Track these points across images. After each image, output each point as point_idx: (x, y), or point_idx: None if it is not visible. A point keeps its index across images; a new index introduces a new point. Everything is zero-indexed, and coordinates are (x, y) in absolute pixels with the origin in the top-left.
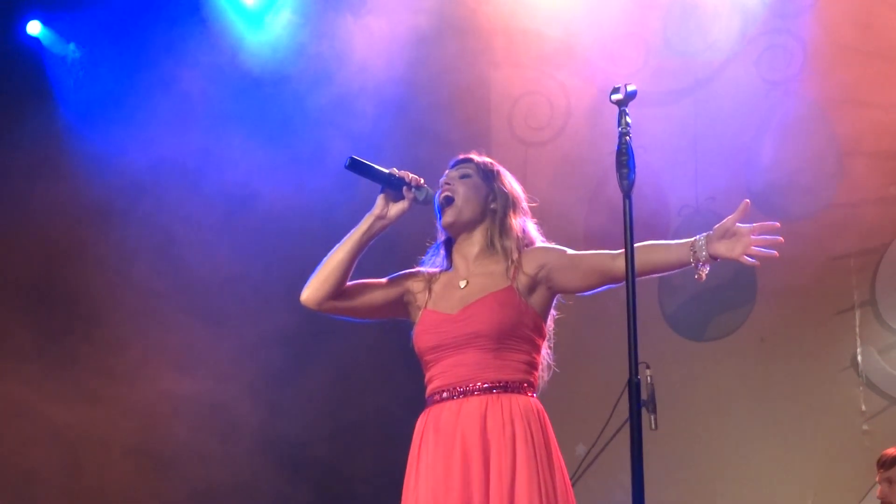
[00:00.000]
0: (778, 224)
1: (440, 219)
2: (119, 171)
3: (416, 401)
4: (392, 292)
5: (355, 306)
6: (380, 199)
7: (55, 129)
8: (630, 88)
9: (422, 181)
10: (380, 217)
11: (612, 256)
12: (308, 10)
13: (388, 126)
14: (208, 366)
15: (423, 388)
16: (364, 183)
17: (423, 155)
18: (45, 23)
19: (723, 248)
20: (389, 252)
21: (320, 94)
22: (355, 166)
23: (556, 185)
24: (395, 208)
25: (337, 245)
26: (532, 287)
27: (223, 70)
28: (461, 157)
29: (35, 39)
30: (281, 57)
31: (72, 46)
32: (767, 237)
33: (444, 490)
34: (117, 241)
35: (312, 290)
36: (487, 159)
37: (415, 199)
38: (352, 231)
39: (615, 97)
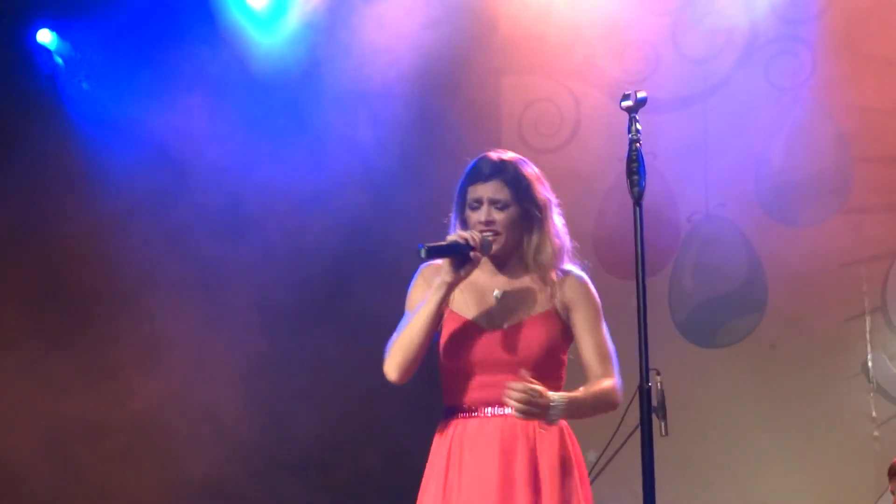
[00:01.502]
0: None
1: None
2: (124, 172)
3: (421, 405)
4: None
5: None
6: (448, 268)
7: (64, 133)
8: (640, 95)
9: (479, 234)
10: (453, 283)
11: (597, 375)
12: (317, 15)
13: (397, 131)
14: (209, 367)
15: (427, 392)
16: (368, 183)
17: (431, 161)
18: (54, 31)
19: None
20: (386, 251)
21: (328, 99)
22: (431, 253)
23: (566, 193)
24: (468, 269)
25: (413, 320)
26: (566, 316)
27: (232, 72)
28: (487, 169)
29: (45, 48)
30: (290, 60)
31: (80, 54)
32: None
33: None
34: (123, 240)
35: (405, 372)
36: (518, 169)
37: (481, 254)
38: (427, 305)
39: (625, 104)
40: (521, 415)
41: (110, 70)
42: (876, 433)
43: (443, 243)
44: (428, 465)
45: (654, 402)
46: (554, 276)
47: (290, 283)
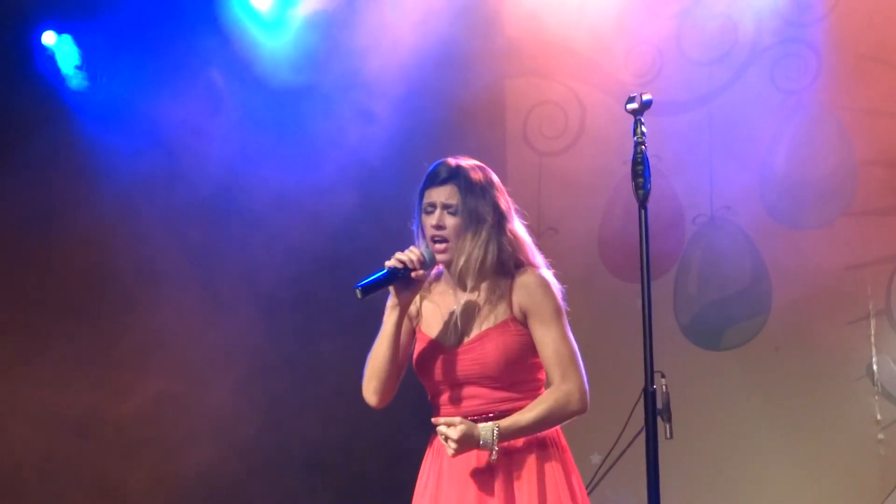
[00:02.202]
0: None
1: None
2: (128, 170)
3: (423, 405)
4: (409, 325)
5: (403, 364)
6: (394, 291)
7: (71, 135)
8: (645, 98)
9: (418, 251)
10: (402, 304)
11: (554, 383)
12: (320, 18)
13: (401, 133)
14: (209, 365)
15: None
16: (371, 184)
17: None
18: (59, 33)
19: None
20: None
21: (330, 100)
22: (368, 290)
23: (571, 195)
24: (414, 288)
25: (376, 344)
26: (525, 319)
27: (238, 71)
28: (440, 174)
29: (50, 49)
30: (296, 59)
31: (84, 57)
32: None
33: None
34: (126, 236)
35: (380, 395)
36: (469, 173)
37: (426, 271)
38: (383, 328)
39: (630, 106)
40: (453, 452)
41: (115, 70)
42: (881, 436)
43: (379, 277)
44: (419, 475)
45: (659, 405)
46: (509, 281)
47: (291, 281)
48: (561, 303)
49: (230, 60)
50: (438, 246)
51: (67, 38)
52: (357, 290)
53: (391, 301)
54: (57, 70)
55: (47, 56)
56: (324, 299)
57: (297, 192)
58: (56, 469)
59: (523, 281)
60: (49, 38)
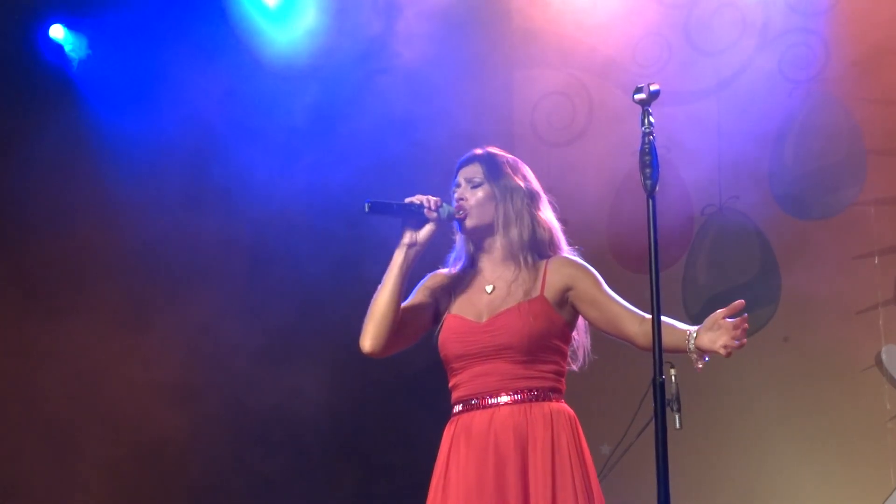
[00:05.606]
0: (746, 322)
1: (460, 229)
2: (140, 160)
3: (433, 397)
4: (431, 305)
5: (410, 335)
6: (403, 231)
7: (79, 129)
8: (653, 88)
9: (437, 199)
10: (411, 245)
11: (639, 321)
12: (327, 10)
13: (408, 125)
14: (222, 351)
15: (440, 380)
16: (380, 175)
17: (443, 155)
18: (67, 26)
19: (706, 341)
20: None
21: (337, 94)
22: (375, 209)
23: (579, 186)
24: (424, 232)
25: (379, 287)
26: (560, 302)
27: (243, 66)
28: (467, 156)
29: (58, 43)
30: (304, 52)
31: (90, 50)
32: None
33: (476, 499)
34: (132, 231)
35: (374, 339)
36: (495, 154)
37: (439, 219)
38: (389, 268)
39: (638, 97)
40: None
41: (122, 64)
42: (890, 425)
43: (391, 202)
44: (436, 461)
45: (669, 395)
46: (543, 263)
47: (311, 269)
48: None
49: (239, 51)
50: (460, 213)
51: (76, 30)
52: (366, 204)
53: (402, 241)
54: (66, 61)
55: (56, 47)
56: (336, 294)
57: (304, 182)
58: (61, 465)
59: (561, 262)
60: (57, 31)
